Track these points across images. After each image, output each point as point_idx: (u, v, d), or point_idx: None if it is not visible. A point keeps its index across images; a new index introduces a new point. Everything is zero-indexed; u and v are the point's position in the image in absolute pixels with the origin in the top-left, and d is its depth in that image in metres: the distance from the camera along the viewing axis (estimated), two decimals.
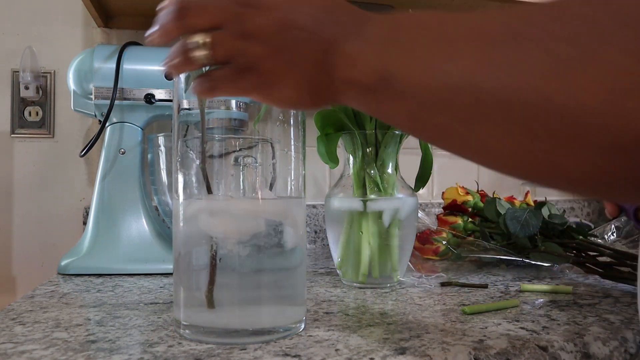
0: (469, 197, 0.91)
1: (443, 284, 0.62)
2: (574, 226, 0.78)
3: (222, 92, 0.35)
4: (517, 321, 0.46)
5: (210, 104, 0.42)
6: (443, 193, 0.96)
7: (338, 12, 0.33)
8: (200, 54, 0.34)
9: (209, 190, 0.41)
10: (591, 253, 0.67)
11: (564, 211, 1.21)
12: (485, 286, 0.61)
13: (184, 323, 0.41)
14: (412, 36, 0.30)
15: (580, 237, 0.76)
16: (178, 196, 0.43)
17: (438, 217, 0.92)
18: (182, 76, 0.42)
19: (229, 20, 0.33)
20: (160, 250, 0.71)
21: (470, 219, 0.89)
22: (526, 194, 0.97)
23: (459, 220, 0.88)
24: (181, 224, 0.42)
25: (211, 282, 0.40)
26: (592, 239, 0.79)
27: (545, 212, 0.77)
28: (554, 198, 1.13)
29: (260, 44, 0.33)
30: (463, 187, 0.94)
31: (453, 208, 0.91)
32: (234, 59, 0.34)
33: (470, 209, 0.90)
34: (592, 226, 0.83)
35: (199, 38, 0.33)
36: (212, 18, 0.33)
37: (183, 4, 0.34)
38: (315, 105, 0.36)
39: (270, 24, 0.33)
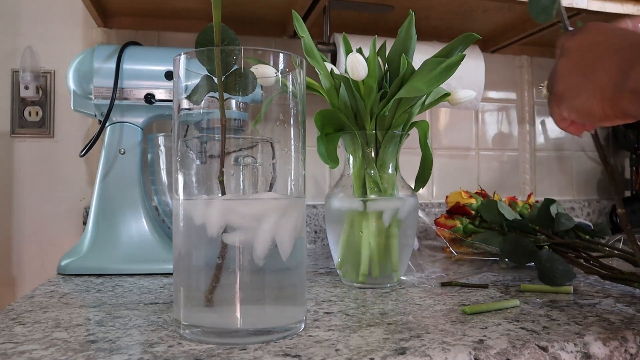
0: (472, 200, 0.91)
1: (443, 284, 0.62)
2: (590, 226, 0.78)
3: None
4: (517, 321, 0.46)
5: (210, 104, 0.42)
6: (447, 197, 0.96)
7: None
8: None
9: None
10: (594, 254, 0.67)
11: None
12: (485, 286, 0.61)
13: (184, 323, 0.41)
14: None
15: (587, 236, 0.76)
16: (178, 196, 0.43)
17: (436, 222, 0.92)
18: (183, 76, 0.42)
19: None
20: (160, 250, 0.71)
21: (469, 221, 0.89)
22: (529, 196, 0.98)
23: (458, 224, 0.88)
24: (181, 224, 0.42)
25: (215, 280, 0.40)
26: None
27: (553, 210, 0.77)
28: (554, 198, 1.13)
29: None
30: (467, 192, 0.93)
31: (457, 210, 0.91)
32: None
33: (473, 212, 0.90)
34: (592, 226, 0.83)
35: None
36: None
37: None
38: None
39: None
